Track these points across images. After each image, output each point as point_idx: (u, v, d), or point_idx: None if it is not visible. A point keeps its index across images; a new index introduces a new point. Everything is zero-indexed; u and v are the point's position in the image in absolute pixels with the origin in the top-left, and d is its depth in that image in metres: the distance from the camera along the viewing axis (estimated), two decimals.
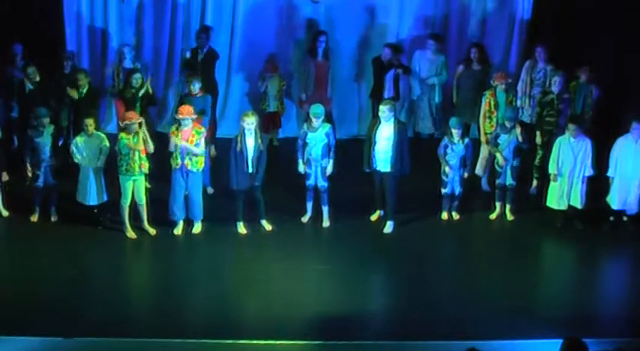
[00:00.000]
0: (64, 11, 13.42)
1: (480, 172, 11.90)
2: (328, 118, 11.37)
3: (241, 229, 10.60)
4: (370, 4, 13.76)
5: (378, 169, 10.61)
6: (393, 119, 10.48)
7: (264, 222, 10.66)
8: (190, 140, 10.21)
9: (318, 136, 10.55)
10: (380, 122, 10.52)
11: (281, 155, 11.79)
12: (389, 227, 10.74)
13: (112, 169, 10.42)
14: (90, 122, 10.33)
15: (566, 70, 11.68)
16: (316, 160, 10.61)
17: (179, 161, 10.25)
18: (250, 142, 10.27)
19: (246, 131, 10.25)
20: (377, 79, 12.96)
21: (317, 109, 10.52)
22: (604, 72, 12.16)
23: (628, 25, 12.40)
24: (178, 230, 10.51)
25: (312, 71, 13.13)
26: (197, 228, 10.55)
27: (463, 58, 12.93)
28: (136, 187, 10.28)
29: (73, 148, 10.40)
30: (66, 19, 13.49)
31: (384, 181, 10.64)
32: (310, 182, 10.72)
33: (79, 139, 10.39)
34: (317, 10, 13.66)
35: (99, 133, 10.55)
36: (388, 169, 10.52)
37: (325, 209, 10.82)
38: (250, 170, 10.31)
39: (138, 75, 11.81)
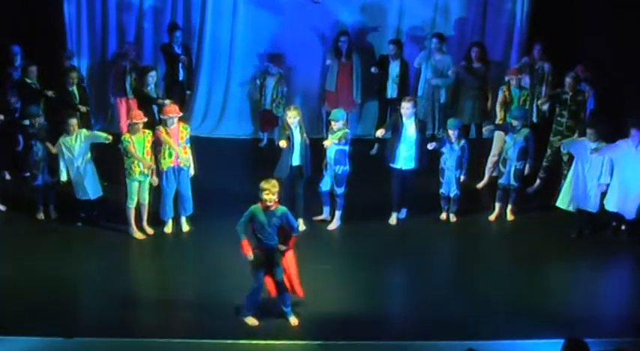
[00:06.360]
0: (64, 11, 13.44)
1: (488, 172, 11.87)
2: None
3: (300, 225, 10.29)
4: (369, 4, 13.75)
5: (398, 166, 10.60)
6: (414, 116, 10.49)
7: (300, 221, 10.38)
8: (180, 137, 10.21)
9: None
10: (402, 119, 10.48)
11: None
12: (403, 213, 10.91)
13: (114, 169, 10.49)
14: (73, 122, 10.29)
15: (562, 69, 11.68)
16: (330, 165, 10.50)
17: (172, 160, 10.20)
18: (297, 136, 10.23)
19: (291, 126, 10.20)
20: (382, 78, 12.93)
21: (337, 114, 10.42)
22: (601, 72, 12.14)
23: (626, 24, 12.38)
24: (169, 228, 10.52)
25: (334, 71, 13.09)
26: (186, 224, 10.56)
27: (463, 57, 12.91)
28: (141, 188, 10.27)
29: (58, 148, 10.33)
30: (66, 19, 13.51)
31: (406, 178, 10.66)
32: (323, 186, 10.61)
33: (62, 140, 10.30)
34: (318, 10, 13.65)
35: (82, 130, 10.44)
36: (411, 167, 10.56)
37: (338, 213, 10.73)
38: (296, 163, 10.25)
39: (153, 73, 11.80)
